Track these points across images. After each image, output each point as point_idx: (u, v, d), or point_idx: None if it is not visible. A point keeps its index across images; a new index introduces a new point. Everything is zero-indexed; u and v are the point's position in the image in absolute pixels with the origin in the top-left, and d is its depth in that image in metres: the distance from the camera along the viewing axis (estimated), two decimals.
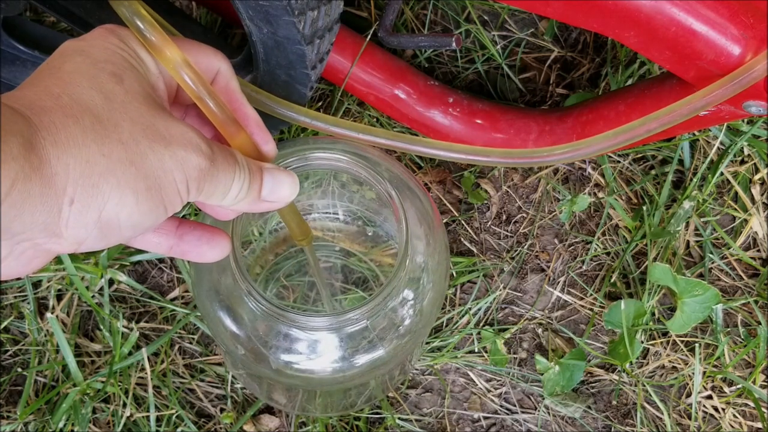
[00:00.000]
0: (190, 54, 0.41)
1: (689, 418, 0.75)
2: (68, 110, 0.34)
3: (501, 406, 0.76)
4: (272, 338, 0.57)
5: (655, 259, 0.79)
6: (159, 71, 0.40)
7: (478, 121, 0.77)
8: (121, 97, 0.36)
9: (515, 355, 0.78)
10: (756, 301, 0.78)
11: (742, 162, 0.82)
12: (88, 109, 0.35)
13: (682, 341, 0.77)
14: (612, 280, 0.79)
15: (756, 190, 0.82)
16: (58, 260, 0.75)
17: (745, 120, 0.80)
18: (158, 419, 0.73)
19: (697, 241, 0.81)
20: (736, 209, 0.82)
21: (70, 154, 0.33)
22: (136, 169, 0.35)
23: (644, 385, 0.76)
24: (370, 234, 0.71)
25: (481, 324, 0.78)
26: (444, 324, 0.78)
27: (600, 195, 0.82)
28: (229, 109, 0.41)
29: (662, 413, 0.75)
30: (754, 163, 0.82)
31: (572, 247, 0.81)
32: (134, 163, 0.35)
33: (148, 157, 0.35)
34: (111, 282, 0.77)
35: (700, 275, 0.80)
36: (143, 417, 0.73)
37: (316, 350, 0.58)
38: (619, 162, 0.83)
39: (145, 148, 0.35)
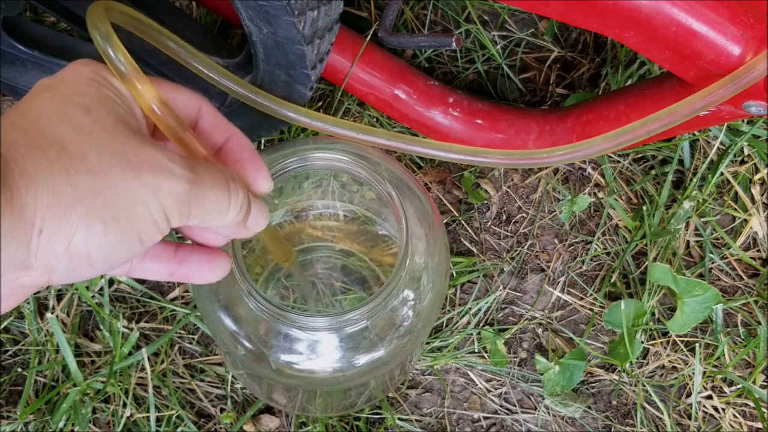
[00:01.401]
0: (168, 93, 0.40)
1: (689, 418, 0.75)
2: (34, 142, 0.33)
3: (501, 406, 0.76)
4: (272, 338, 0.57)
5: (655, 259, 0.79)
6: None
7: (478, 121, 0.77)
8: (89, 127, 0.35)
9: (515, 355, 0.78)
10: (756, 301, 0.78)
11: (742, 162, 0.82)
12: (55, 141, 0.34)
13: (682, 341, 0.77)
14: (612, 280, 0.79)
15: (756, 190, 0.82)
16: None
17: (745, 120, 0.80)
18: (158, 419, 0.73)
19: (697, 241, 0.81)
20: (736, 209, 0.82)
21: (37, 184, 0.33)
22: (104, 199, 0.34)
23: (644, 385, 0.76)
24: (370, 234, 0.71)
25: (481, 324, 0.78)
26: (444, 324, 0.78)
27: (600, 195, 0.82)
28: (195, 141, 0.40)
29: (662, 413, 0.75)
30: (754, 163, 0.82)
31: (572, 247, 0.81)
32: (102, 193, 0.34)
33: (117, 186, 0.34)
34: (111, 282, 0.77)
35: (700, 275, 0.80)
36: (143, 417, 0.73)
37: (316, 350, 0.58)
38: (619, 162, 0.83)
39: (115, 178, 0.34)
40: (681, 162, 0.82)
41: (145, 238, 0.36)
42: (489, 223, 0.82)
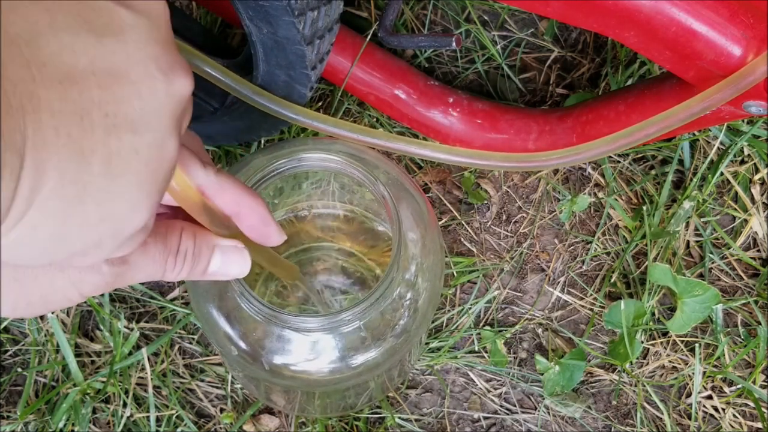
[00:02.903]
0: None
1: (689, 418, 0.75)
2: None
3: (501, 406, 0.76)
4: (266, 339, 0.57)
5: (655, 259, 0.79)
6: None
7: (478, 121, 0.77)
8: None
9: (515, 355, 0.78)
10: (756, 301, 0.78)
11: (742, 162, 0.82)
12: None
13: (682, 341, 0.77)
14: (612, 280, 0.79)
15: (756, 190, 0.82)
16: None
17: (745, 120, 0.80)
18: (158, 419, 0.73)
19: (697, 241, 0.81)
20: (736, 209, 0.82)
21: None
22: (20, 287, 0.33)
23: (644, 385, 0.76)
24: (370, 234, 0.71)
25: (481, 324, 0.78)
26: (444, 324, 0.78)
27: (600, 195, 0.82)
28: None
29: (662, 413, 0.75)
30: (754, 163, 0.82)
31: (572, 247, 0.81)
32: (19, 280, 0.33)
33: (38, 278, 0.34)
34: None
35: (700, 275, 0.80)
36: (143, 417, 0.73)
37: (310, 351, 0.58)
38: (619, 162, 0.83)
39: (37, 270, 0.33)
40: (681, 162, 0.82)
41: (55, 308, 0.35)
42: (489, 223, 0.82)
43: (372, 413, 0.75)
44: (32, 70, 0.25)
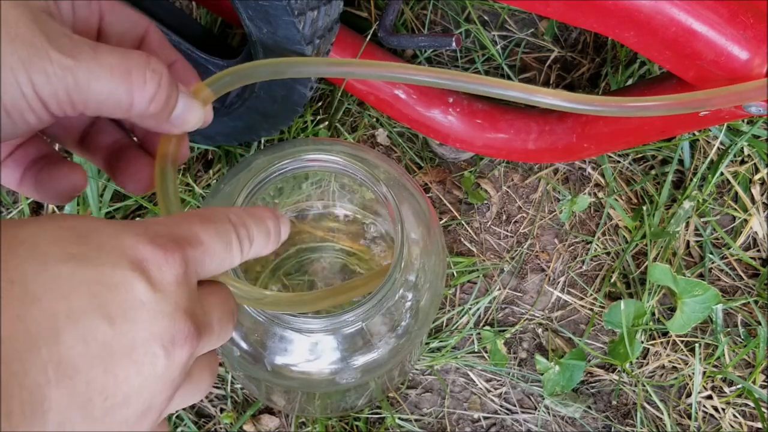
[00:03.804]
0: (115, 13, 0.39)
1: (689, 418, 0.75)
2: None
3: (501, 406, 0.76)
4: (268, 340, 0.57)
5: (655, 259, 0.79)
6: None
7: (478, 121, 0.77)
8: None
9: (515, 355, 0.78)
10: (756, 301, 0.78)
11: (742, 162, 0.82)
12: None
13: (682, 341, 0.77)
14: (612, 280, 0.79)
15: (756, 190, 0.82)
16: None
17: (745, 120, 0.80)
18: None
19: (697, 241, 0.81)
20: (736, 209, 0.82)
21: None
22: None
23: (644, 385, 0.76)
24: (370, 234, 0.71)
25: (481, 324, 0.78)
26: (444, 324, 0.78)
27: (600, 195, 0.82)
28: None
29: (662, 413, 0.75)
30: (754, 163, 0.82)
31: (572, 247, 0.81)
32: None
33: None
34: None
35: (700, 275, 0.80)
36: None
37: (312, 352, 0.58)
38: (619, 162, 0.83)
39: None
40: (681, 162, 0.82)
41: (14, 113, 0.32)
42: (489, 223, 0.82)
43: (372, 413, 0.75)
44: (48, 373, 0.26)
